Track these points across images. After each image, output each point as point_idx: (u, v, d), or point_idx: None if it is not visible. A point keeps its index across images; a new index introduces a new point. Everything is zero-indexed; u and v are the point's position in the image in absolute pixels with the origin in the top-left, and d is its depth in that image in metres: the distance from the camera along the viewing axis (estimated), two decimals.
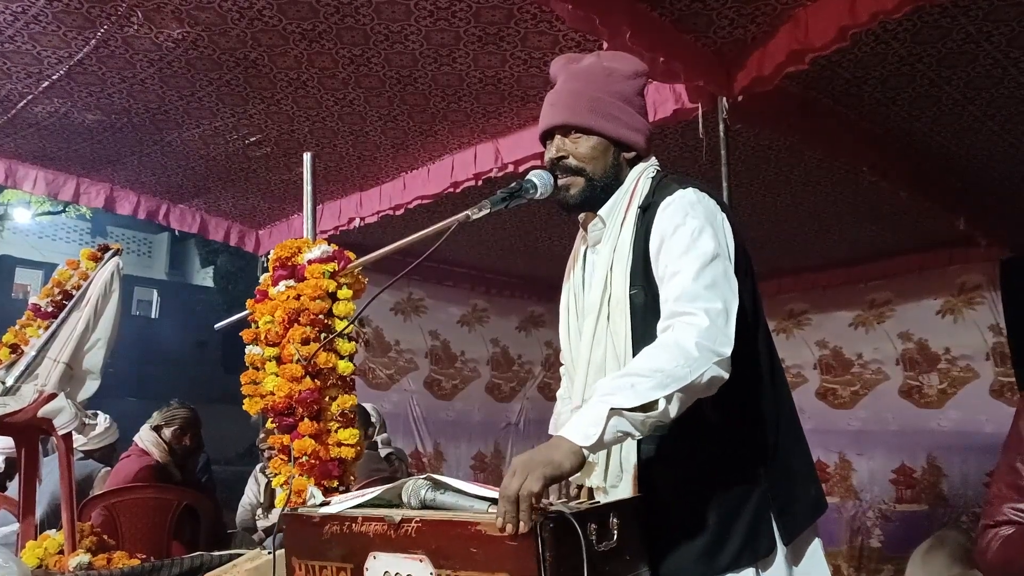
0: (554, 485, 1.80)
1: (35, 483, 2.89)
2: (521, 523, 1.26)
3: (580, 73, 1.79)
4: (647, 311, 1.63)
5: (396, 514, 1.41)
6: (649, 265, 1.65)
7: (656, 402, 1.41)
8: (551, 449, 1.38)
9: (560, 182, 1.74)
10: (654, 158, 1.83)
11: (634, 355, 1.62)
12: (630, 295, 1.66)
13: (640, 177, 1.76)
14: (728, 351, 1.48)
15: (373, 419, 4.60)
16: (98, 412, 4.66)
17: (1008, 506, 1.57)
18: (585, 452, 1.38)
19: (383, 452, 4.46)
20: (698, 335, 1.46)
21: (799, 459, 1.75)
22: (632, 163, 1.79)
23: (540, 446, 1.42)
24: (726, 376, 1.49)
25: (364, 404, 4.15)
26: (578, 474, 1.67)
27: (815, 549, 1.72)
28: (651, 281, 1.64)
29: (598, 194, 1.76)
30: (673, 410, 1.43)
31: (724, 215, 1.67)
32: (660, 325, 1.56)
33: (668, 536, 1.58)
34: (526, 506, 1.27)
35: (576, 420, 1.42)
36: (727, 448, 1.62)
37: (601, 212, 1.77)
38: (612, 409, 1.38)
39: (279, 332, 2.28)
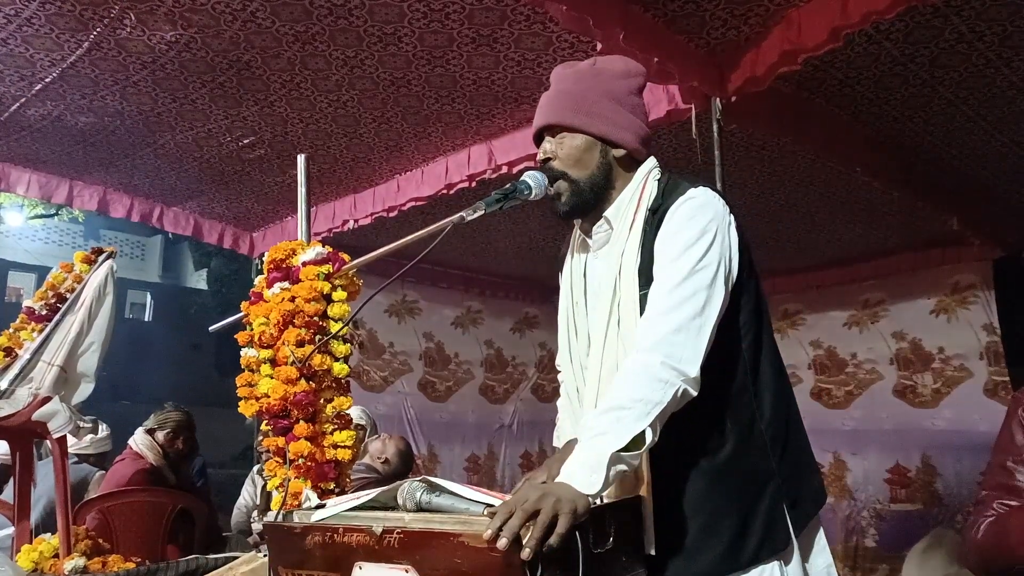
0: None
1: (30, 487, 2.88)
2: (503, 538, 1.23)
3: (569, 75, 1.79)
4: None
5: (378, 525, 1.38)
6: None
7: (644, 433, 1.43)
8: (564, 488, 1.35)
9: (551, 189, 1.73)
10: (654, 159, 1.79)
11: None
12: (640, 296, 1.62)
13: (647, 179, 1.73)
14: (694, 371, 1.49)
15: (364, 422, 4.58)
16: (98, 420, 4.62)
17: (997, 503, 1.57)
18: (590, 500, 1.37)
19: None
20: (664, 356, 1.47)
21: (805, 452, 1.76)
22: (625, 163, 1.75)
23: (552, 483, 1.39)
24: (695, 393, 1.50)
25: (353, 407, 4.13)
26: None
27: (820, 538, 1.72)
28: None
29: (586, 197, 1.73)
30: (653, 434, 1.45)
31: (732, 217, 1.65)
32: (633, 341, 1.55)
33: (689, 535, 1.57)
34: (540, 534, 1.25)
35: (575, 466, 1.40)
36: (742, 444, 1.62)
37: (607, 214, 1.74)
38: (613, 454, 1.39)
39: (274, 334, 2.27)
